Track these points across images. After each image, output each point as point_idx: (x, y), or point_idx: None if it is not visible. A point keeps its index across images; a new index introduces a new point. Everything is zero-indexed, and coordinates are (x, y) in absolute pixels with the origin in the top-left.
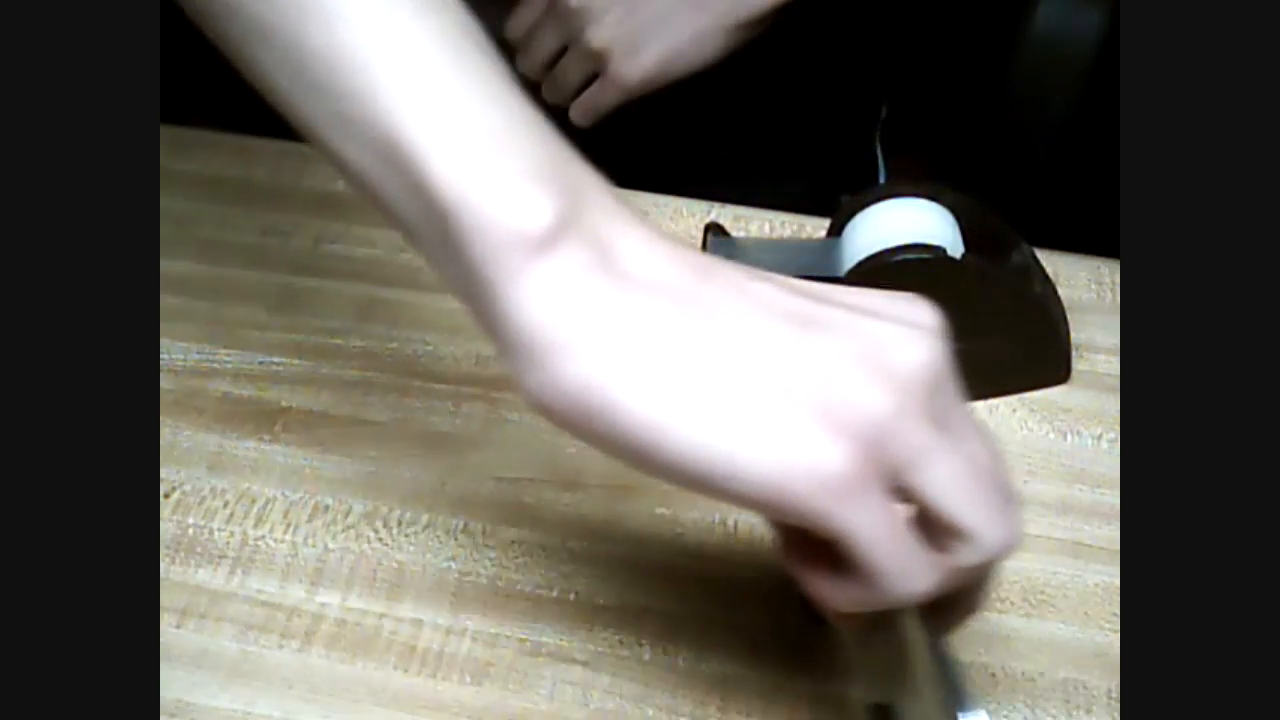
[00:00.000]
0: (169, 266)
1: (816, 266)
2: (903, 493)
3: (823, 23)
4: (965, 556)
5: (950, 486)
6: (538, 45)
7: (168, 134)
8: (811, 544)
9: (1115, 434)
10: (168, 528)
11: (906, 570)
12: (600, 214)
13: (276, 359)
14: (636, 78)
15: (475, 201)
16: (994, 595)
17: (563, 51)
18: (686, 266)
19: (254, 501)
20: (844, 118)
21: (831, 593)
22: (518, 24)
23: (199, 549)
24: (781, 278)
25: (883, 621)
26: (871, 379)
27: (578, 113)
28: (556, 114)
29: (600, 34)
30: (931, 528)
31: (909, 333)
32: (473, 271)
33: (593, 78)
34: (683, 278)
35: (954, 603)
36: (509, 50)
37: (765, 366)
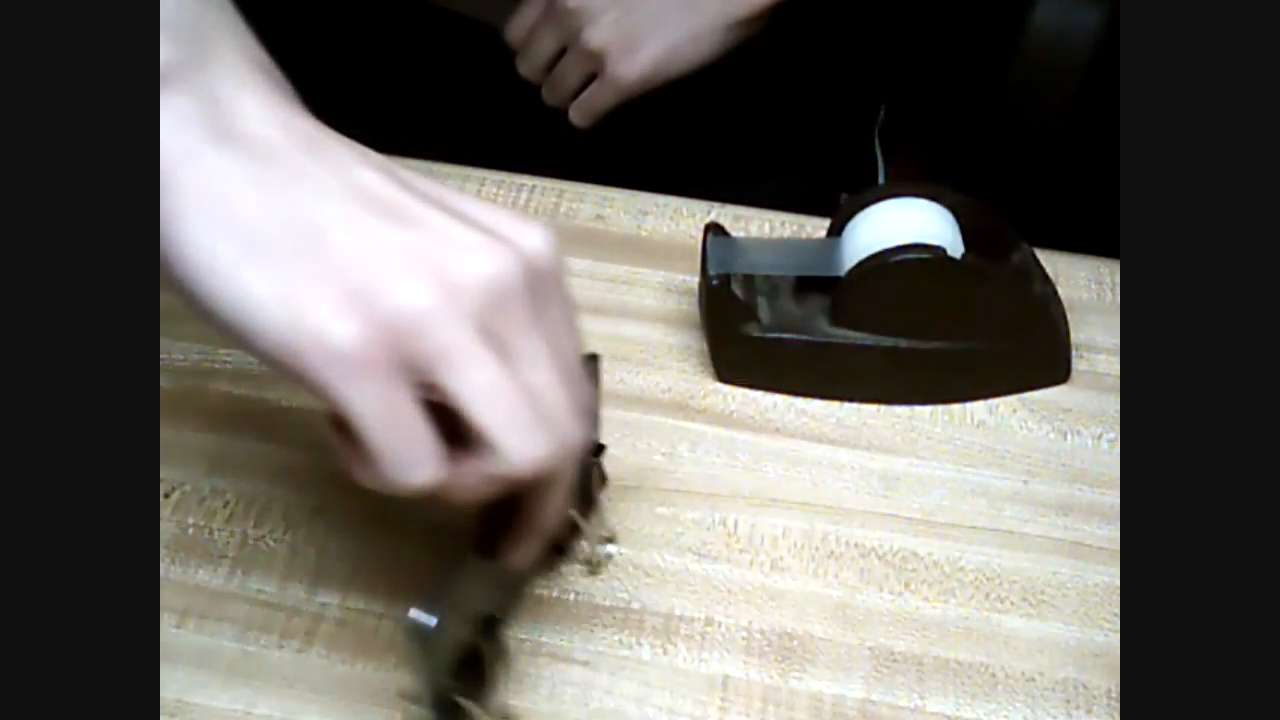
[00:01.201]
0: None
1: (816, 266)
2: (438, 391)
3: (822, 22)
4: (491, 466)
5: (479, 396)
6: (537, 47)
7: None
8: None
9: (1115, 434)
10: (168, 528)
11: (402, 457)
12: (225, 75)
13: None
14: (634, 77)
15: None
16: (994, 595)
17: (562, 53)
18: (297, 138)
19: (254, 501)
20: (843, 117)
21: (351, 467)
22: (517, 26)
23: (199, 549)
24: (407, 172)
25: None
26: (419, 275)
27: (577, 113)
28: (558, 115)
29: (597, 34)
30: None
31: (490, 245)
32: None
33: (592, 78)
34: (288, 147)
35: (511, 522)
36: (510, 53)
37: (322, 243)
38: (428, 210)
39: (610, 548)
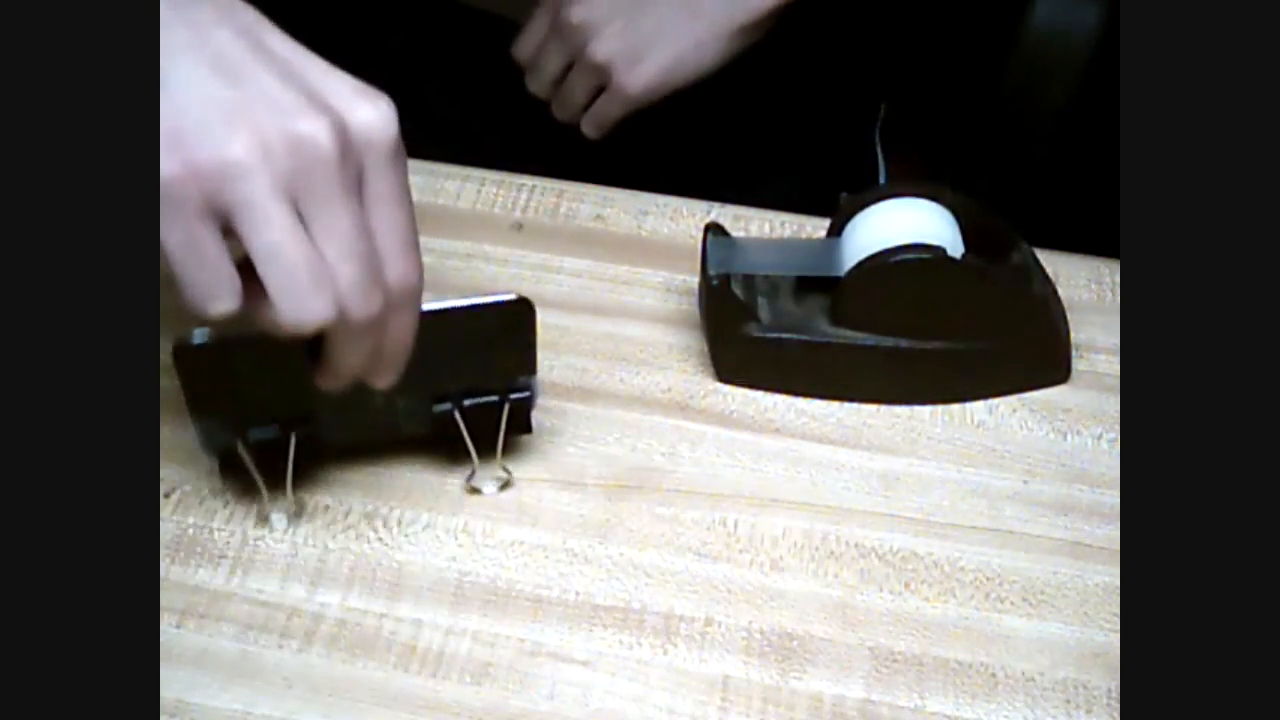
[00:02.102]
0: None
1: (816, 266)
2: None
3: (822, 23)
4: (271, 313)
5: (265, 251)
6: (545, 64)
7: None
8: None
9: (1115, 434)
10: (168, 528)
11: (201, 288)
12: None
13: None
14: (640, 88)
15: None
16: (994, 595)
17: (570, 68)
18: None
19: (254, 501)
20: (843, 117)
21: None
22: (524, 44)
23: (199, 549)
24: (272, 35)
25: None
26: (236, 129)
27: (588, 127)
28: (569, 129)
29: (602, 47)
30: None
31: (311, 110)
32: None
33: (599, 91)
34: (160, 8)
35: (321, 356)
36: (518, 71)
37: (168, 91)
38: (264, 72)
39: (490, 487)
